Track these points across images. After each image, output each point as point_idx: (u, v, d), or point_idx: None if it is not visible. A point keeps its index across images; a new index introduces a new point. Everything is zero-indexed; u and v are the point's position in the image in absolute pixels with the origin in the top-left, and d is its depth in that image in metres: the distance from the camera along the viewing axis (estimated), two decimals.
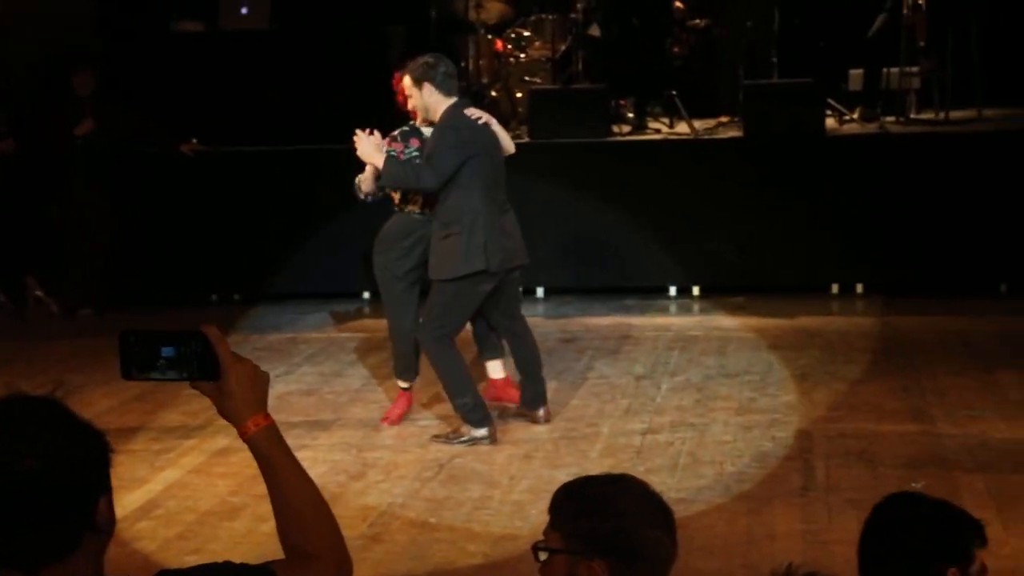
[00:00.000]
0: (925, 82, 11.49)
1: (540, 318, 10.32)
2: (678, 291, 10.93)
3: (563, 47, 12.09)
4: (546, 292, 10.99)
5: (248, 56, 11.45)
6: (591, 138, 10.97)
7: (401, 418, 7.70)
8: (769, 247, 10.69)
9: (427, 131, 7.32)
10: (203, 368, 2.26)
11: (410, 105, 7.29)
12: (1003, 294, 10.47)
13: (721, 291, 10.76)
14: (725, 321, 10.07)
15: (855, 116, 11.26)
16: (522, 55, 12.22)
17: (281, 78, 11.32)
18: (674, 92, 11.30)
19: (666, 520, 2.56)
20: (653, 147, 11.06)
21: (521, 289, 8.01)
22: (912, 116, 11.46)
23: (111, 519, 2.21)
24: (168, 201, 11.22)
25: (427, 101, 7.17)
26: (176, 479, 6.88)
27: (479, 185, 7.08)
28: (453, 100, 7.19)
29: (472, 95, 12.49)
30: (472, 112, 7.28)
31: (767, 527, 5.97)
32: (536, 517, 6.07)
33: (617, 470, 6.64)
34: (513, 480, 6.72)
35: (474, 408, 7.23)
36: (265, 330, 10.15)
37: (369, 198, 7.48)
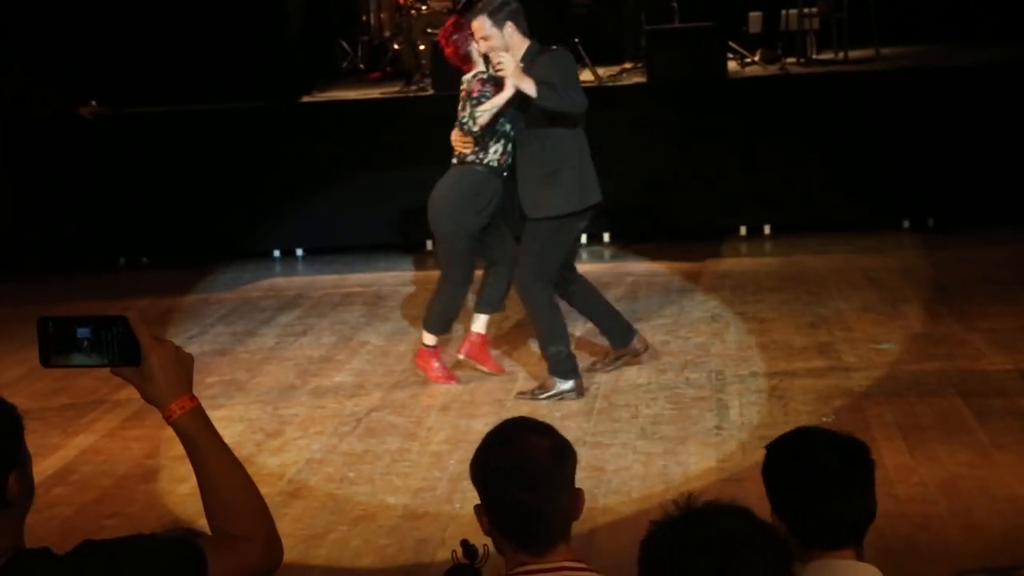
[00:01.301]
0: (823, 22, 11.62)
1: None
2: (588, 238, 10.94)
3: None
4: None
5: (147, 14, 11.27)
6: None
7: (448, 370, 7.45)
8: (676, 191, 10.77)
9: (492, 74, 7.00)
10: (123, 353, 2.23)
11: (484, 48, 6.85)
12: (906, 230, 10.64)
13: (631, 237, 10.82)
14: (636, 266, 10.14)
15: (756, 58, 11.35)
16: (423, 7, 12.17)
17: (181, 36, 11.16)
18: (577, 40, 11.29)
19: (528, 479, 2.70)
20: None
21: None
22: (812, 56, 11.59)
23: (25, 491, 2.19)
24: (71, 164, 11.04)
25: (509, 41, 6.76)
26: (90, 444, 6.82)
27: (581, 121, 6.96)
28: (528, 40, 6.88)
29: (373, 49, 12.47)
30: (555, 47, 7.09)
31: (682, 467, 6.06)
32: (454, 467, 6.11)
33: (535, 415, 6.68)
34: (431, 431, 6.75)
35: (567, 358, 7.06)
36: (176, 291, 10.05)
37: (479, 133, 7.01)
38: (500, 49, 6.77)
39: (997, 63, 10.74)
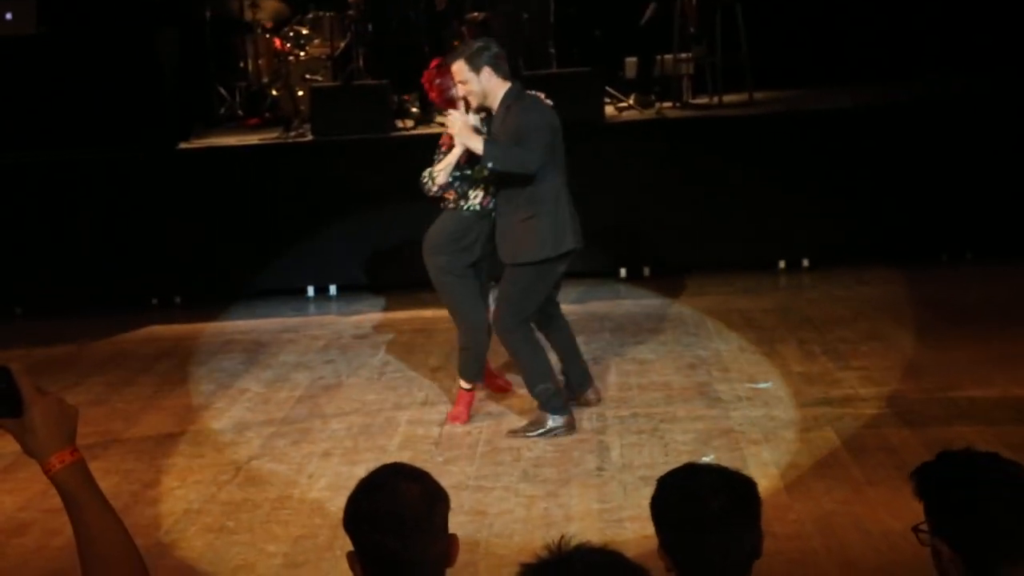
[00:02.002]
0: (698, 68, 11.81)
1: (334, 315, 10.29)
2: None
3: (342, 44, 12.05)
4: (339, 289, 10.95)
5: (15, 62, 11.10)
6: (375, 134, 10.96)
7: (468, 415, 7.41)
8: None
9: (473, 119, 7.04)
10: (5, 404, 2.19)
11: (462, 92, 6.97)
12: (782, 271, 10.81)
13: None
14: None
15: (631, 102, 11.50)
16: (301, 53, 12.15)
17: (51, 84, 11.00)
18: None
19: (398, 526, 2.70)
20: (438, 140, 11.05)
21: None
22: (688, 101, 11.77)
23: None
24: None
25: (486, 86, 6.87)
26: None
27: (558, 164, 6.99)
28: (510, 83, 6.98)
29: (251, 95, 12.40)
30: (533, 92, 7.14)
31: (564, 509, 6.08)
32: (336, 514, 6.01)
33: (416, 462, 6.65)
34: (312, 478, 6.69)
35: (555, 394, 7.12)
36: (51, 341, 9.86)
37: (439, 192, 7.08)
38: (478, 94, 6.92)
39: (868, 105, 11.00)
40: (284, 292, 10.84)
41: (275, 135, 11.36)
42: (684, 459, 6.26)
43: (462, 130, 6.79)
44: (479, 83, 6.90)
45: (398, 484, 2.76)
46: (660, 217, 10.75)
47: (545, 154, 6.82)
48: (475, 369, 7.38)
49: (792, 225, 10.71)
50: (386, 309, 10.34)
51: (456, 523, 5.90)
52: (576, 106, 10.85)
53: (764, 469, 6.26)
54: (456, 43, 12.15)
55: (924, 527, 2.84)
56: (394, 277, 10.81)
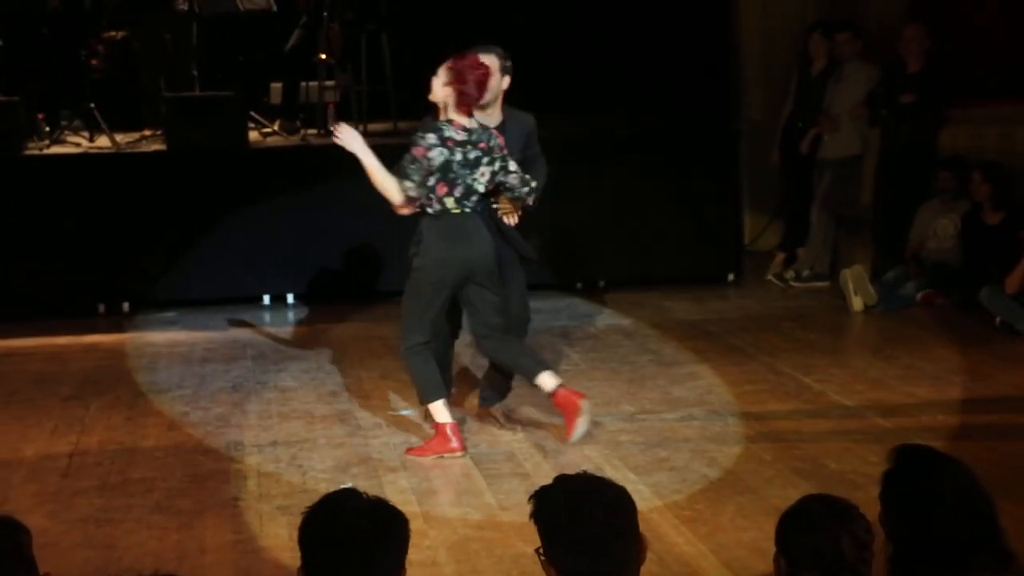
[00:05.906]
0: (344, 95, 11.86)
1: None
2: (107, 309, 10.65)
3: None
4: None
5: None
6: (3, 153, 10.48)
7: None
8: (197, 260, 10.65)
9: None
10: None
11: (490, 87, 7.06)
12: None
13: (153, 306, 10.60)
14: (157, 337, 9.93)
15: (276, 128, 11.44)
16: None
17: None
18: (92, 105, 11.01)
19: None
20: (72, 161, 10.70)
21: None
22: (332, 128, 11.76)
23: None
24: None
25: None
26: None
27: None
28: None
29: None
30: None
31: (198, 541, 5.93)
32: None
33: (42, 495, 6.41)
34: None
35: None
36: None
37: None
38: (493, 97, 7.25)
39: None
40: None
41: None
42: (323, 488, 6.27)
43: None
44: (499, 87, 7.21)
45: None
46: (303, 242, 10.73)
47: None
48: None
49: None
50: (15, 335, 9.87)
51: (82, 558, 5.71)
52: (220, 131, 10.73)
53: (402, 496, 6.30)
54: (94, 61, 11.81)
55: (541, 550, 2.99)
56: (26, 305, 10.38)
